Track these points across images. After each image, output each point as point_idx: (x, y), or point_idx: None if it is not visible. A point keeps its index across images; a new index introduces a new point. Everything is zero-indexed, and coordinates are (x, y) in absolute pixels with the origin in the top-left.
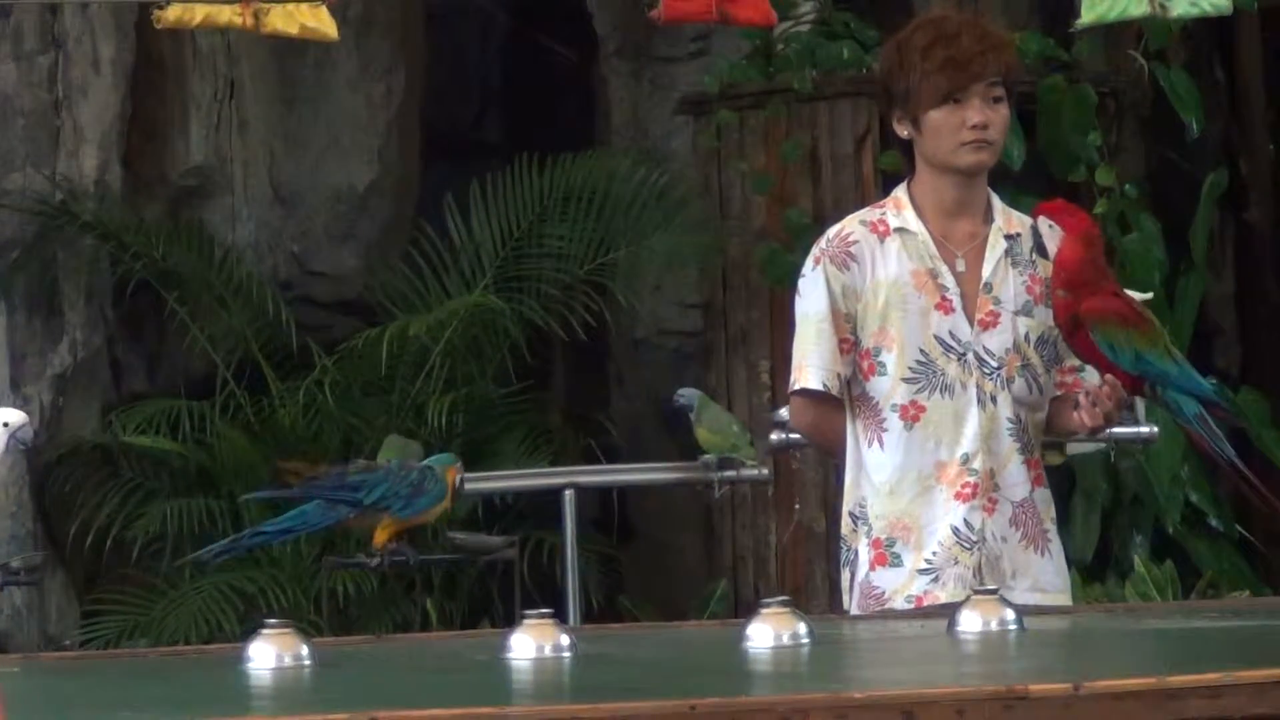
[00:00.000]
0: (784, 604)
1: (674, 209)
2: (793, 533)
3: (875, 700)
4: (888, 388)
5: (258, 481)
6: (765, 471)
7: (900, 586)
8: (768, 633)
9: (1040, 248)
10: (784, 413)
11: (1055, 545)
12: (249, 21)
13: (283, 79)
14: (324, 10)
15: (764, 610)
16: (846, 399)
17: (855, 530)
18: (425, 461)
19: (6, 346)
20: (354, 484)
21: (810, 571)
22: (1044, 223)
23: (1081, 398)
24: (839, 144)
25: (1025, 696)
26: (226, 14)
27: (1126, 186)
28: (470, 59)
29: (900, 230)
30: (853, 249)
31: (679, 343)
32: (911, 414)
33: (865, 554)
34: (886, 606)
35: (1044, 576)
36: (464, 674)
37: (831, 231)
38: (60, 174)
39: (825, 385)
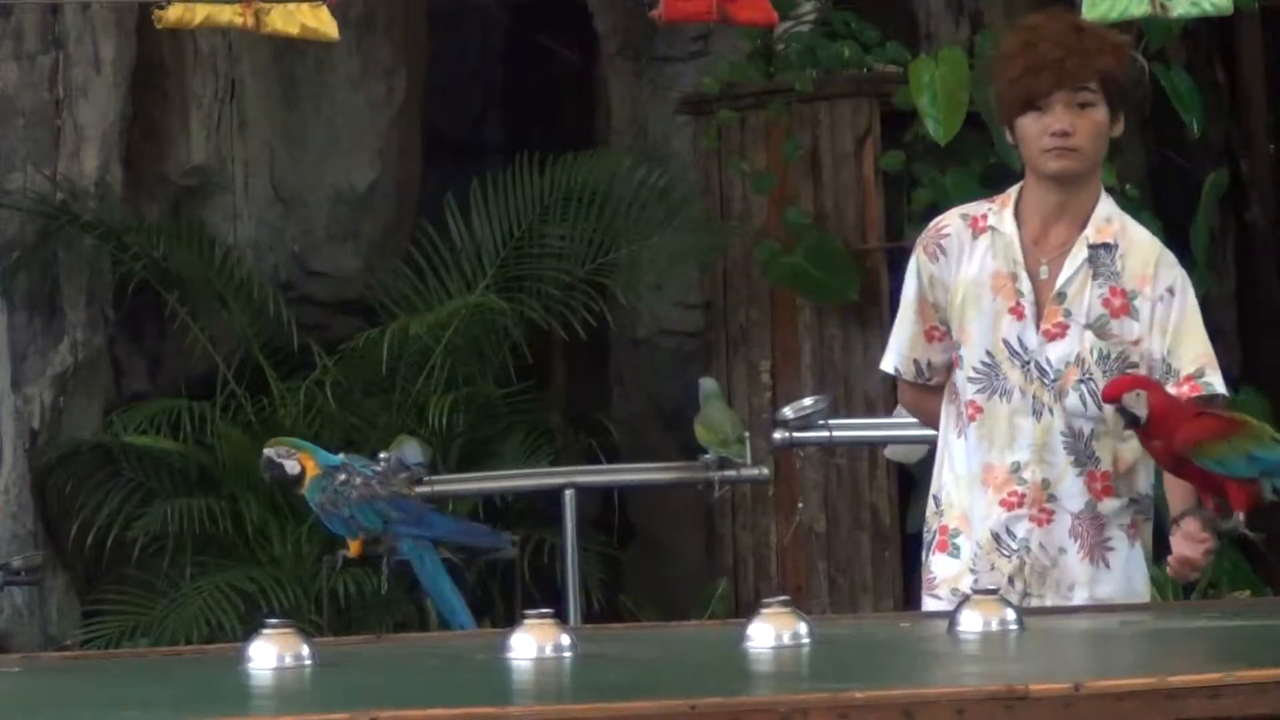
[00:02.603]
0: (784, 604)
1: (674, 209)
2: (793, 533)
3: (875, 700)
4: (963, 383)
5: (258, 482)
6: (765, 471)
7: (951, 577)
8: (768, 633)
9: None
10: (786, 412)
11: (1119, 556)
12: (250, 21)
13: (283, 79)
14: (325, 10)
15: (764, 610)
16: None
17: (936, 513)
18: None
19: (7, 346)
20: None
21: (810, 571)
22: (1129, 398)
23: (1175, 555)
24: (839, 144)
25: (1025, 696)
26: (227, 14)
27: (1127, 186)
28: (470, 59)
29: (993, 229)
30: (943, 242)
31: (679, 343)
32: (970, 413)
33: (933, 538)
34: (934, 593)
35: (1102, 589)
36: (464, 674)
37: (935, 220)
38: (61, 174)
39: (897, 369)
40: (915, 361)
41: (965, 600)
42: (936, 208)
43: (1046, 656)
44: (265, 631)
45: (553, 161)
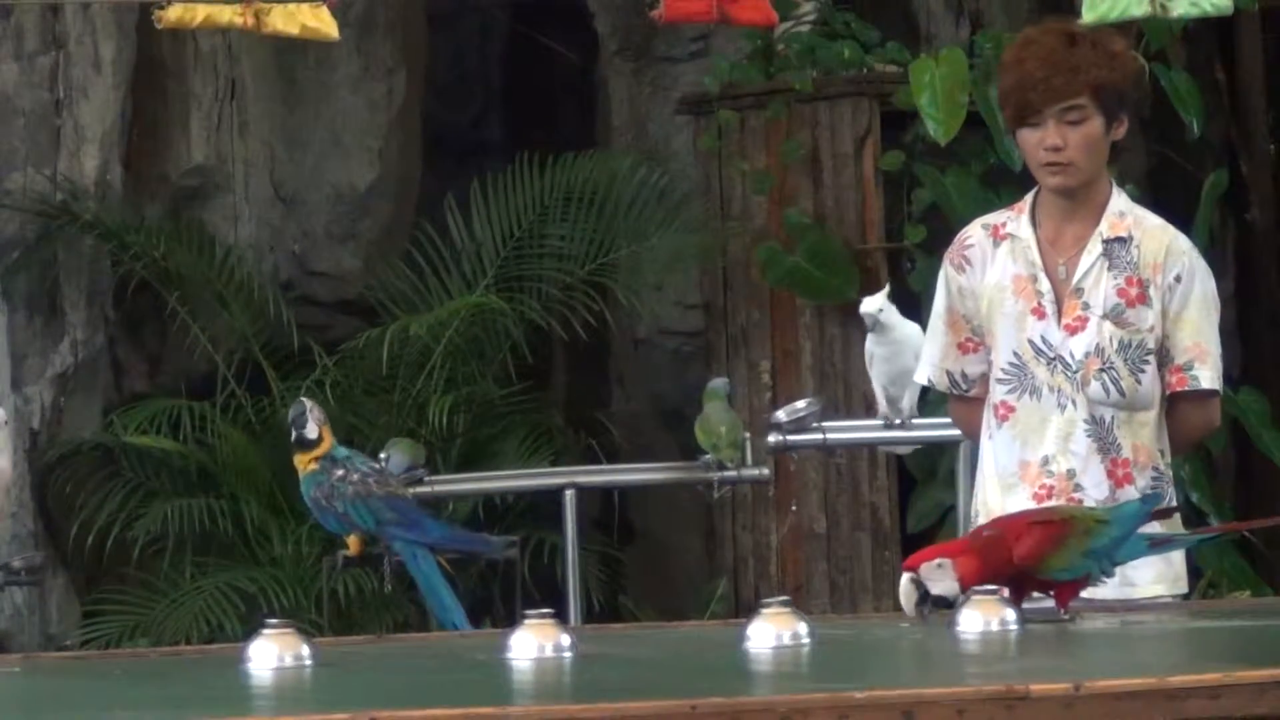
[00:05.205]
0: (784, 604)
1: (674, 209)
2: (793, 533)
3: (875, 700)
4: (993, 385)
5: (258, 482)
6: (765, 472)
7: None
8: (768, 633)
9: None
10: (780, 414)
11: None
12: (250, 22)
13: (283, 79)
14: (325, 10)
15: (764, 610)
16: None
17: (976, 514)
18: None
19: (7, 346)
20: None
21: (810, 571)
22: (927, 568)
23: None
24: (839, 144)
25: (1025, 696)
26: (228, 14)
27: (1127, 186)
28: (470, 59)
29: (1011, 235)
30: (968, 253)
31: (679, 343)
32: (1001, 414)
33: None
34: None
35: (1132, 572)
36: (464, 674)
37: (959, 233)
38: (61, 174)
39: (931, 380)
40: (948, 373)
41: (965, 600)
42: (936, 208)
43: (1046, 656)
44: (265, 631)
45: (553, 161)
